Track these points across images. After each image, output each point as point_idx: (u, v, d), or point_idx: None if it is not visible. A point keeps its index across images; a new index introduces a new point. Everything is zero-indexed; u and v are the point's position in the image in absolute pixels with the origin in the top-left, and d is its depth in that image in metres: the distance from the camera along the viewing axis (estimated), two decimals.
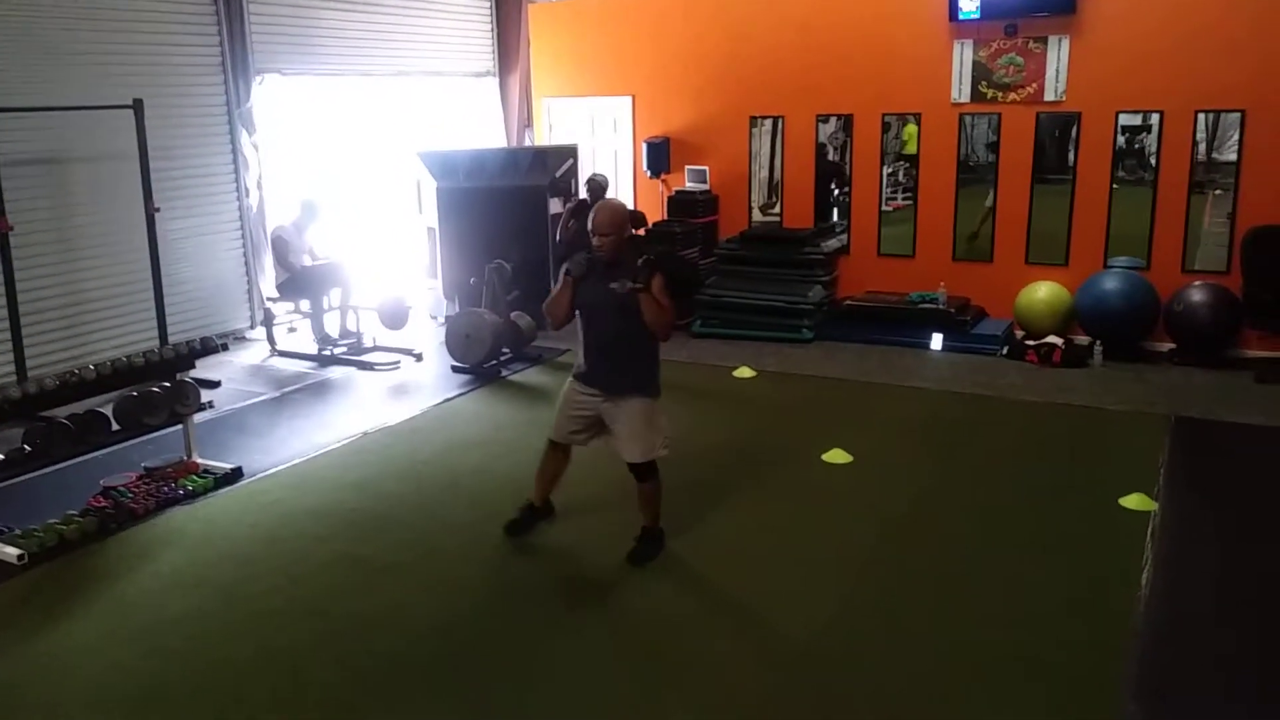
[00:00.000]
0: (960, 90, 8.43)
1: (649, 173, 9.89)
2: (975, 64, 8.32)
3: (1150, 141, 7.90)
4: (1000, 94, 8.28)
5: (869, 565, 4.54)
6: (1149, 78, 7.79)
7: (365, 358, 8.23)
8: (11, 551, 4.66)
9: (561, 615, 4.17)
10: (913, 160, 8.82)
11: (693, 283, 4.70)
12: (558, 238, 8.43)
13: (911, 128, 8.77)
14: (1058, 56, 8.02)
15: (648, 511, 4.66)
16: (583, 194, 8.63)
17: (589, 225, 4.40)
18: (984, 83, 8.32)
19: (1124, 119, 7.93)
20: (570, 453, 4.82)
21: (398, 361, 8.17)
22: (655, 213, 9.87)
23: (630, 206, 7.58)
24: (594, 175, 7.65)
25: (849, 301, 8.86)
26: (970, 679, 3.63)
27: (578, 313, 4.50)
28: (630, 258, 4.38)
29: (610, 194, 9.00)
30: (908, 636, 3.92)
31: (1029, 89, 8.17)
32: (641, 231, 6.87)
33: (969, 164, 8.58)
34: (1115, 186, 8.06)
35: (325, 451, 6.13)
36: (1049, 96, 8.12)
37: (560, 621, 4.12)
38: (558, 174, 8.99)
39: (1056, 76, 8.05)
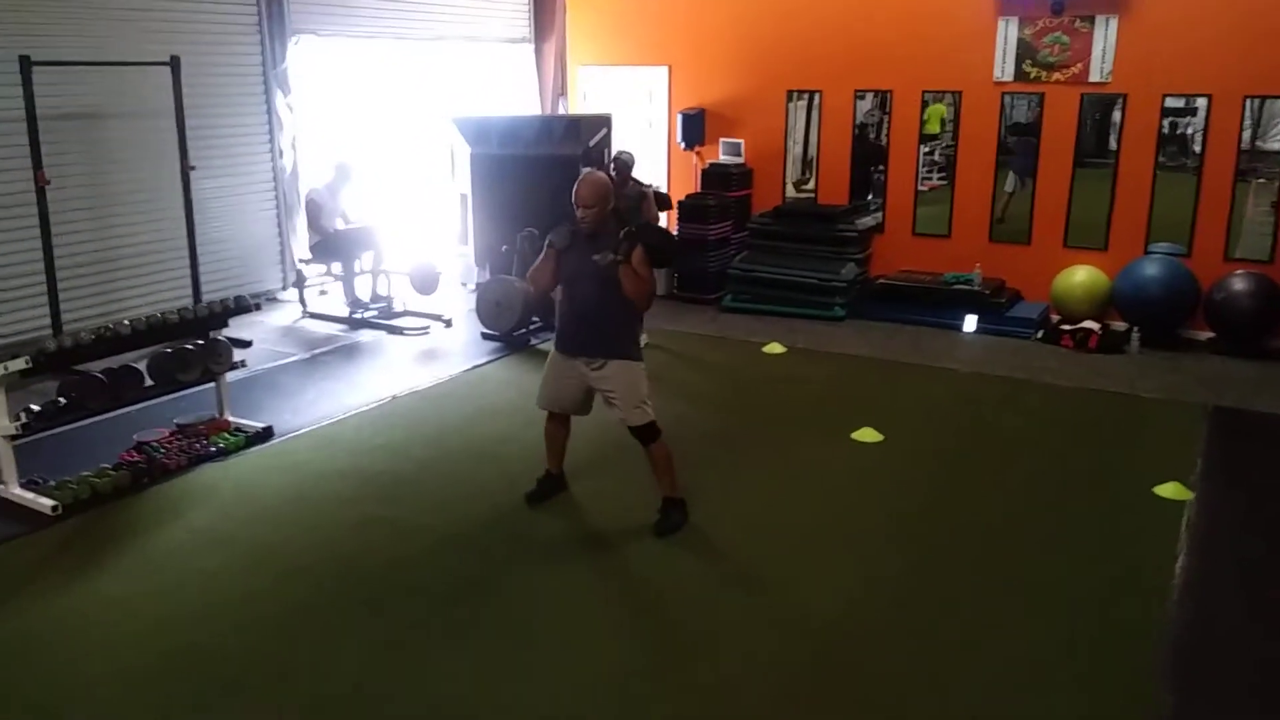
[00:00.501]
0: (1003, 69, 8.28)
1: (683, 144, 9.81)
2: (1020, 42, 8.17)
3: (1195, 125, 7.73)
4: (1044, 73, 8.14)
5: (896, 545, 4.51)
6: (1198, 61, 7.62)
7: (395, 322, 8.25)
8: (45, 502, 4.70)
9: (585, 584, 4.17)
10: (933, 140, 8.72)
11: (671, 253, 4.84)
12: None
13: (935, 108, 8.64)
14: (1105, 36, 7.85)
15: (663, 479, 4.67)
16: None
17: (573, 197, 4.43)
18: (1028, 61, 8.17)
19: (1169, 102, 7.77)
20: (569, 421, 4.86)
21: (427, 327, 8.18)
22: (688, 185, 9.81)
23: (660, 187, 7.59)
24: (620, 153, 7.55)
25: (882, 280, 8.78)
26: (999, 664, 3.59)
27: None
28: (612, 229, 4.43)
29: (639, 169, 8.96)
30: (934, 618, 3.89)
31: (1074, 69, 8.01)
32: (668, 213, 6.86)
33: (1007, 145, 8.45)
34: (1159, 171, 7.90)
35: (354, 414, 6.15)
36: (1094, 77, 7.97)
37: (584, 590, 4.12)
38: (591, 143, 8.91)
39: (1103, 57, 7.90)
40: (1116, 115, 7.98)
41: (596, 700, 3.38)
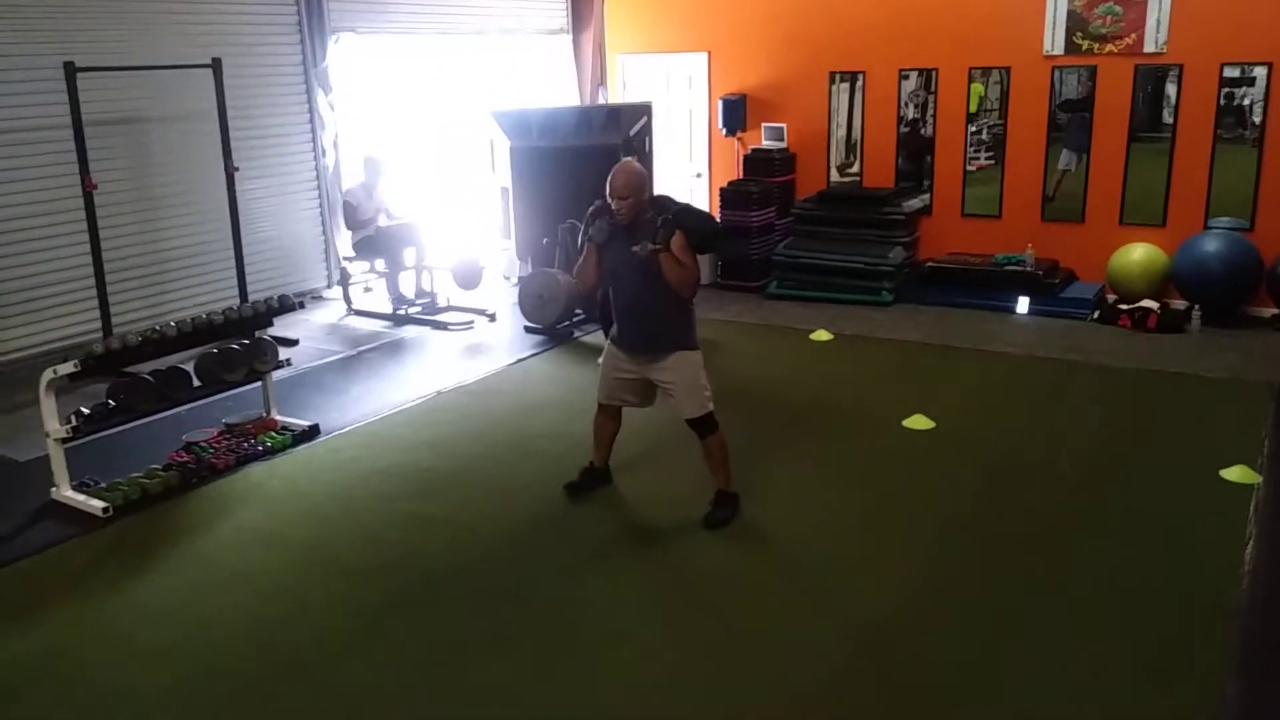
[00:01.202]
0: (1053, 42, 8.05)
1: (724, 131, 9.70)
2: (1070, 14, 7.93)
3: (1253, 95, 7.44)
4: (1096, 45, 7.89)
5: (951, 534, 4.39)
6: (1256, 28, 7.34)
7: (439, 317, 8.25)
8: (96, 504, 4.75)
9: (633, 579, 4.11)
10: (976, 120, 8.53)
11: (714, 236, 4.64)
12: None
13: (974, 87, 8.43)
14: (1160, 5, 7.59)
15: (718, 473, 4.57)
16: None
17: (607, 189, 4.33)
18: (1079, 34, 7.93)
19: (1227, 72, 7.49)
20: (621, 414, 4.79)
21: (471, 322, 8.17)
22: (730, 172, 9.70)
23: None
24: (626, 160, 7.12)
25: (931, 263, 8.60)
26: (1059, 655, 3.47)
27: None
28: (650, 219, 4.29)
29: (683, 157, 8.84)
30: (990, 609, 3.78)
31: (1127, 40, 7.76)
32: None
33: (1059, 121, 8.21)
34: (1217, 143, 7.63)
35: (400, 410, 6.15)
36: (1149, 48, 7.71)
37: (632, 585, 4.06)
38: (631, 132, 8.83)
39: (1157, 26, 7.64)
40: (1172, 87, 7.71)
41: (645, 702, 3.32)
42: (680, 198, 4.69)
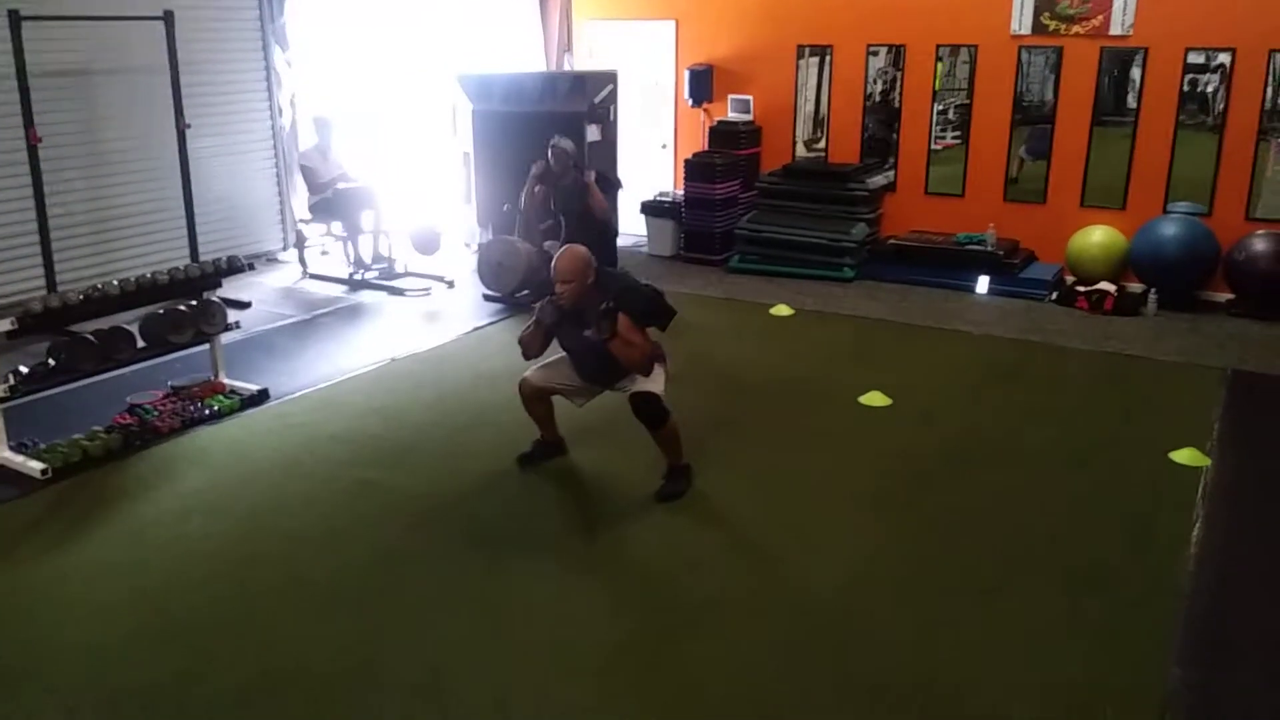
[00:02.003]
0: (1020, 22, 8.03)
1: (690, 101, 9.59)
2: None
3: (1212, 81, 7.47)
4: (1064, 26, 7.88)
5: (903, 511, 4.39)
6: (1224, 12, 7.35)
7: (396, 283, 8.12)
8: (35, 466, 4.63)
9: (582, 553, 4.07)
10: (935, 98, 8.55)
11: (658, 314, 4.54)
12: (521, 204, 7.46)
13: (939, 65, 8.42)
14: None
15: (670, 452, 4.56)
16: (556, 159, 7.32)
17: (551, 271, 4.34)
18: (1046, 14, 7.91)
19: (1191, 58, 7.52)
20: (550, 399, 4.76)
21: (429, 288, 8.05)
22: (696, 143, 9.62)
23: (605, 171, 7.17)
24: (557, 140, 6.78)
25: (893, 240, 8.59)
26: (1007, 634, 3.48)
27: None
28: (594, 301, 4.25)
29: (647, 125, 8.71)
30: (940, 586, 3.78)
31: (1094, 21, 7.76)
32: (618, 192, 6.55)
33: (1023, 101, 8.20)
34: (1179, 128, 7.66)
35: (352, 376, 6.05)
36: (1115, 30, 7.71)
37: (581, 560, 4.02)
38: (596, 100, 8.72)
39: (1124, 8, 7.63)
40: (1135, 71, 7.73)
41: (579, 677, 3.29)
42: (644, 169, 4.65)
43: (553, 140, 6.89)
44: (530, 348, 4.55)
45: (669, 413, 4.43)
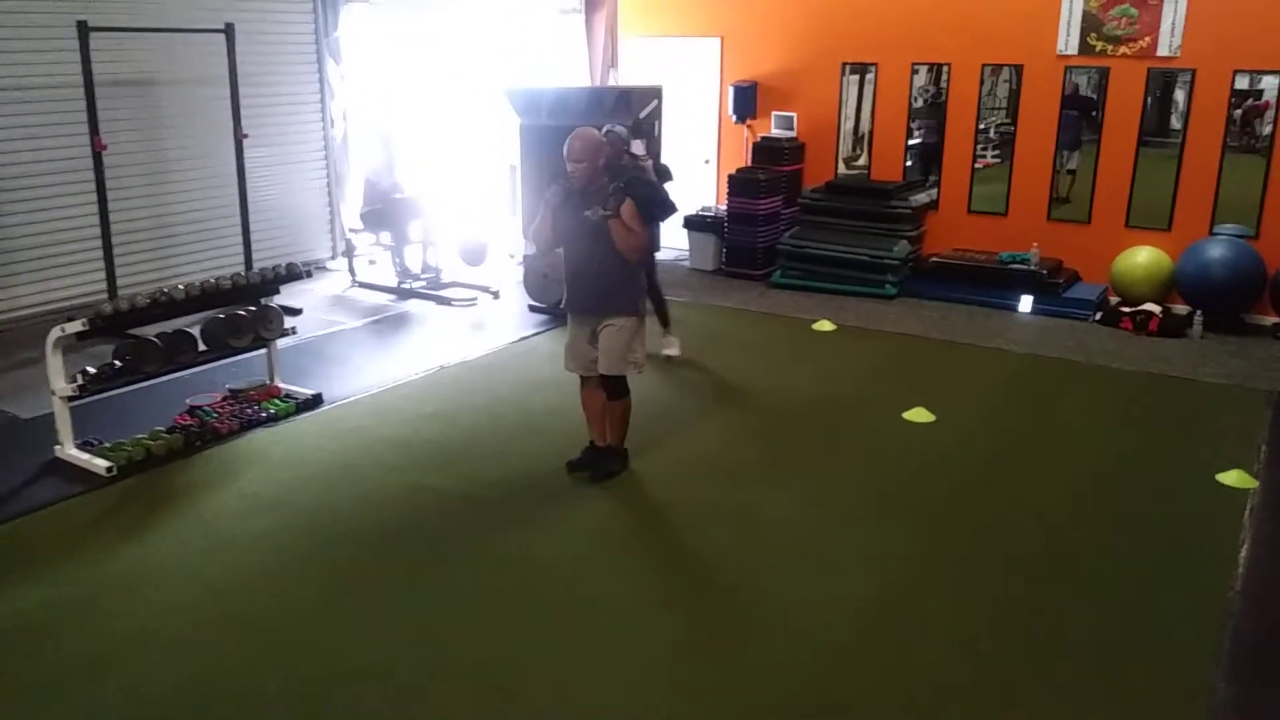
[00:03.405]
0: (1067, 42, 8.05)
1: (734, 117, 9.68)
2: (1086, 14, 7.93)
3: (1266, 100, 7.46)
4: (1110, 47, 7.89)
5: (947, 526, 4.42)
6: (1272, 33, 7.34)
7: (443, 293, 8.25)
8: (100, 463, 4.77)
9: (636, 555, 4.14)
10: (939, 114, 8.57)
11: (661, 206, 4.81)
12: (533, 229, 7.58)
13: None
14: (1175, 8, 7.59)
15: (615, 431, 4.78)
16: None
17: (564, 151, 4.44)
18: (1093, 34, 7.93)
19: (1239, 81, 7.50)
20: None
21: (475, 298, 8.18)
22: (739, 159, 9.70)
23: (660, 159, 7.22)
24: (612, 127, 6.69)
25: (935, 258, 8.62)
26: (1051, 651, 3.51)
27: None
28: (603, 186, 4.44)
29: (689, 142, 8.79)
30: (983, 602, 3.81)
31: (1141, 43, 7.77)
32: (647, 162, 6.61)
33: (1065, 122, 8.21)
34: (1227, 149, 7.64)
35: (403, 383, 6.17)
36: (1162, 51, 7.71)
37: (635, 560, 4.09)
38: (642, 115, 8.83)
39: (1172, 30, 7.64)
40: (1182, 91, 7.72)
41: (643, 673, 3.35)
42: (687, 183, 4.76)
43: (606, 128, 6.94)
44: (540, 235, 4.64)
45: (628, 391, 4.69)
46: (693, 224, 9.50)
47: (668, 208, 4.75)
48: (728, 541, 4.26)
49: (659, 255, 7.06)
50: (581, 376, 4.81)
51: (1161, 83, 7.83)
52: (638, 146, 8.70)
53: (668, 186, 6.63)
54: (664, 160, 7.64)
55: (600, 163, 4.46)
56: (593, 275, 4.53)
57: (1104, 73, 7.98)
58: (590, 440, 4.92)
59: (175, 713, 3.12)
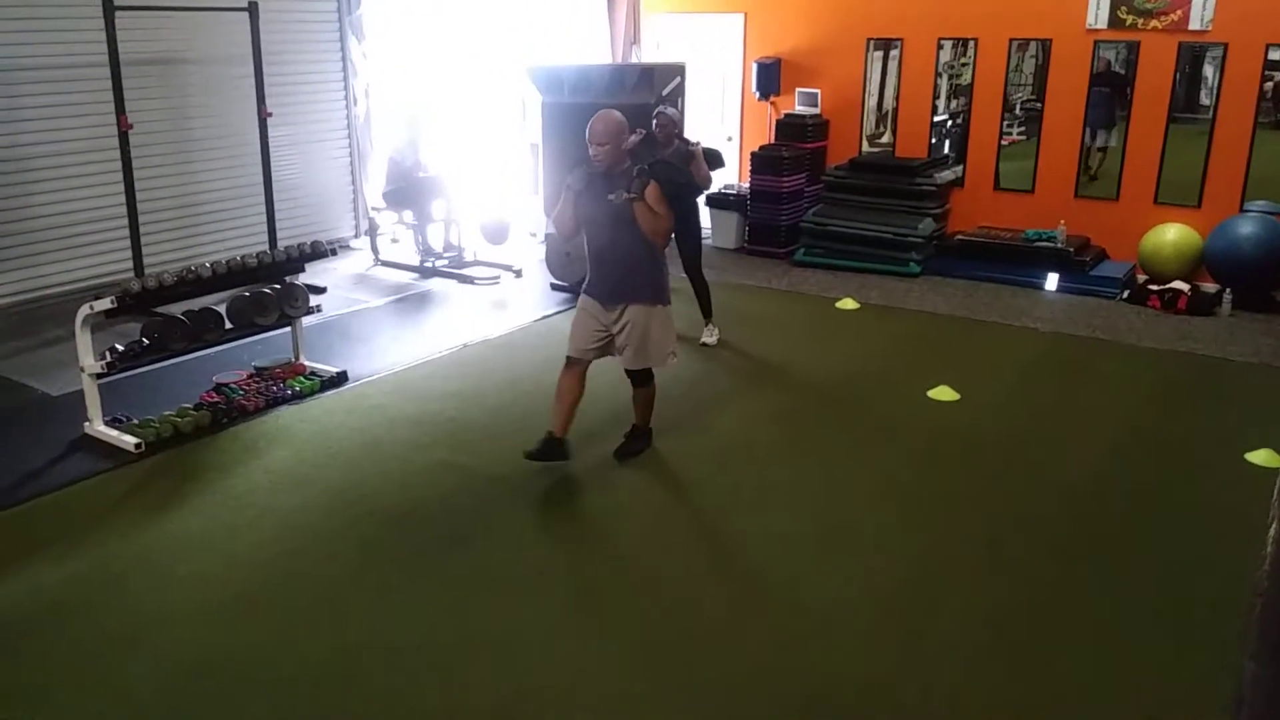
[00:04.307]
0: (1096, 16, 7.93)
1: (758, 94, 9.62)
2: None
3: None
4: (1141, 20, 7.77)
5: (972, 506, 4.40)
6: None
7: (466, 271, 8.27)
8: (129, 440, 4.82)
9: (663, 531, 4.16)
10: (967, 92, 8.55)
11: (687, 188, 4.71)
12: (553, 215, 7.44)
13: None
14: None
15: (642, 413, 4.80)
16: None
17: (586, 135, 4.34)
18: (1123, 8, 7.81)
19: (1273, 54, 7.37)
20: (585, 377, 4.69)
21: (498, 277, 8.19)
22: (762, 136, 9.64)
23: (709, 143, 7.15)
24: (662, 109, 6.70)
25: (960, 236, 8.55)
26: (1077, 631, 3.49)
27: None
28: (626, 169, 4.35)
29: (711, 120, 8.75)
30: (1008, 582, 3.80)
31: (1173, 16, 7.64)
32: (720, 170, 6.54)
33: (1096, 99, 8.09)
34: (1258, 125, 7.52)
35: (426, 361, 6.19)
36: (1194, 25, 7.59)
37: (662, 538, 4.10)
38: (664, 92, 8.77)
39: (1204, 3, 7.51)
40: (1212, 67, 7.60)
41: (675, 654, 3.37)
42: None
43: (658, 109, 6.87)
44: (561, 220, 4.54)
45: (653, 376, 4.71)
46: (715, 202, 9.46)
47: (693, 191, 4.62)
48: (751, 521, 4.26)
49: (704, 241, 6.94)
50: (569, 359, 4.64)
51: (1192, 57, 7.71)
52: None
53: (716, 174, 6.59)
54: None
55: (623, 146, 4.37)
56: (617, 262, 4.44)
57: (1134, 47, 7.86)
58: (549, 431, 4.64)
59: (203, 687, 3.16)
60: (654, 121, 6.46)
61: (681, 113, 8.83)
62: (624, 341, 4.54)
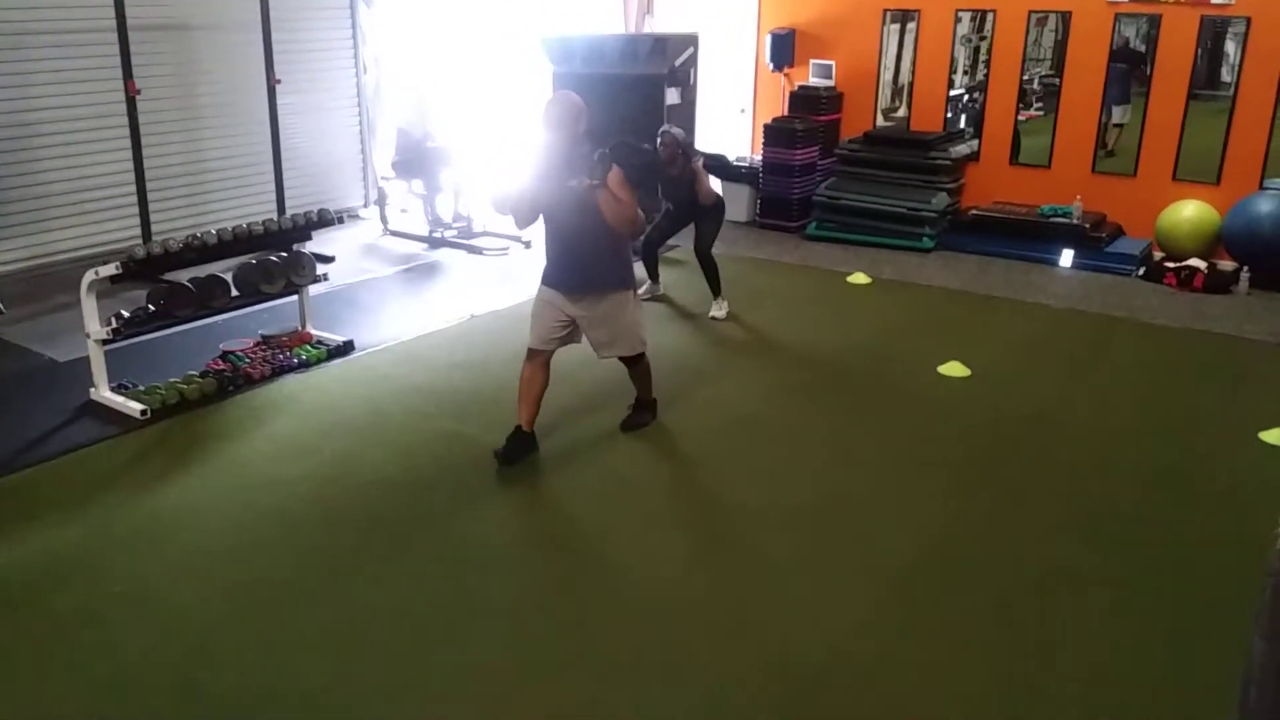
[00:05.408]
0: None
1: (771, 66, 9.50)
2: None
3: None
4: None
5: (981, 481, 4.36)
6: None
7: (474, 242, 8.22)
8: (135, 406, 4.81)
9: (660, 508, 4.13)
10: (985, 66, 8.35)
11: (650, 171, 4.50)
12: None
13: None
14: None
15: (641, 387, 4.78)
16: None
17: (541, 119, 4.17)
18: None
19: None
20: (549, 367, 4.54)
21: (507, 248, 8.14)
22: (775, 108, 9.53)
23: (724, 154, 7.04)
24: (666, 129, 6.41)
25: (975, 211, 8.45)
26: (1088, 609, 3.46)
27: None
28: (585, 153, 4.11)
29: (701, 103, 8.65)
30: (1018, 560, 3.76)
31: None
32: (699, 163, 6.40)
33: (1114, 75, 7.96)
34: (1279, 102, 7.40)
35: (434, 331, 6.16)
36: None
37: (661, 515, 4.08)
38: (677, 63, 8.69)
39: None
40: (1234, 42, 7.45)
41: (662, 629, 3.35)
42: (723, 133, 4.56)
43: (662, 129, 6.65)
44: (519, 208, 4.30)
45: (643, 353, 4.63)
46: (727, 174, 9.36)
47: (657, 173, 4.39)
48: (758, 496, 4.23)
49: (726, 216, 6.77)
50: (531, 350, 4.48)
51: (1214, 32, 7.56)
52: (672, 95, 8.60)
53: (727, 151, 6.42)
54: (718, 151, 7.38)
55: (581, 128, 4.18)
56: (581, 251, 4.26)
57: (1154, 21, 7.72)
58: (517, 425, 4.47)
59: (206, 651, 3.16)
60: (658, 140, 6.34)
61: (695, 84, 8.75)
62: (598, 338, 4.45)
